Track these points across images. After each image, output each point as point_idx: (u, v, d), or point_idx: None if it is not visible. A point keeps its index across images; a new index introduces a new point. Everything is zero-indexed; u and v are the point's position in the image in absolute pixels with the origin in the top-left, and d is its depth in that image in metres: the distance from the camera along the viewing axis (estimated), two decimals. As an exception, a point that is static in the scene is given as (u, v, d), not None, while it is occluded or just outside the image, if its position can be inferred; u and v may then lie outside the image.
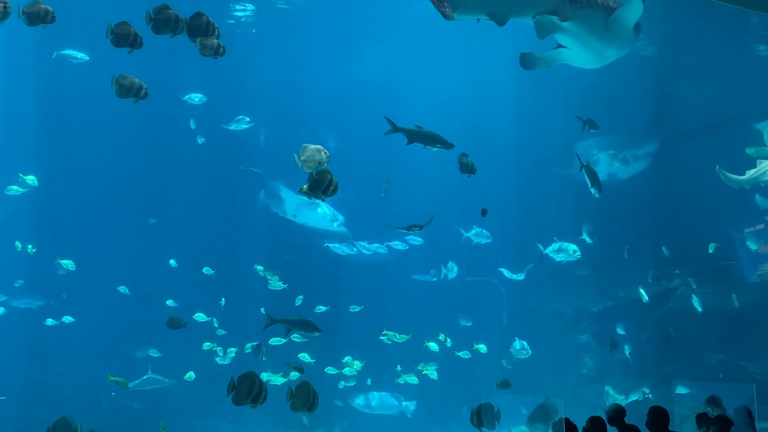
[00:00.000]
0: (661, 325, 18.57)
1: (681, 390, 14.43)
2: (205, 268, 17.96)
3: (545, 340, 18.35)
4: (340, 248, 19.81)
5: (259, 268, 17.10)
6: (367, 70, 22.02)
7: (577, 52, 12.50)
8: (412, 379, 17.21)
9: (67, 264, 16.32)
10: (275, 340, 15.83)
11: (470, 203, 15.15)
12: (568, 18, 11.64)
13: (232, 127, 17.94)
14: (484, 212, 13.14)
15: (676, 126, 21.03)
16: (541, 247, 16.46)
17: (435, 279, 19.93)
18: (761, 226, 17.90)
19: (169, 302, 17.20)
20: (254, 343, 16.09)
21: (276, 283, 16.68)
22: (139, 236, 20.48)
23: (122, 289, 17.45)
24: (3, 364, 17.96)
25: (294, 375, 15.15)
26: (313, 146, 7.89)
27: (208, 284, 18.12)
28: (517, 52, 12.77)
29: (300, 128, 19.95)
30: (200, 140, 19.05)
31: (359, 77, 21.87)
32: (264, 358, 15.55)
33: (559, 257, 16.65)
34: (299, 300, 16.86)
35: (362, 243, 19.52)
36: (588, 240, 15.61)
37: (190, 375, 16.45)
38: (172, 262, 18.51)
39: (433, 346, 17.02)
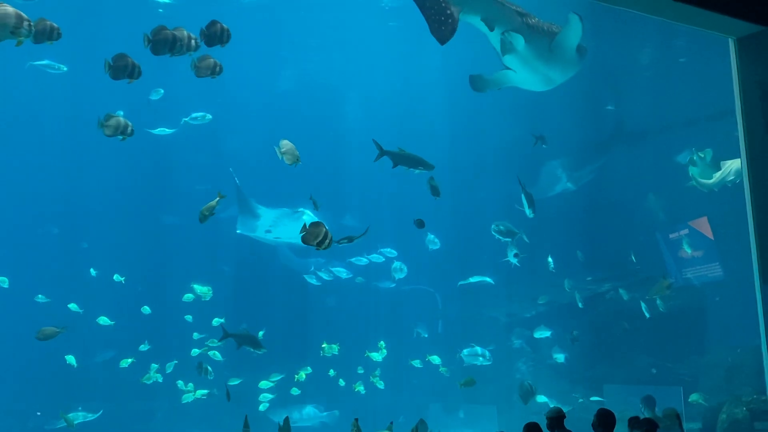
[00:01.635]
0: (593, 330, 18.92)
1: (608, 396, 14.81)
2: (115, 275, 17.63)
3: (480, 346, 18.50)
4: (314, 277, 19.36)
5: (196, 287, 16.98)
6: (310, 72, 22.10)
7: (524, 74, 12.97)
8: (360, 388, 17.34)
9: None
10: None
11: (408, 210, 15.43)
12: (525, 40, 12.19)
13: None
14: (420, 223, 13.38)
15: (608, 135, 21.59)
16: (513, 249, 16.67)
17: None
18: (685, 231, 18.40)
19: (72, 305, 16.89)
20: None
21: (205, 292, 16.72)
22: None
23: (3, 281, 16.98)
24: None
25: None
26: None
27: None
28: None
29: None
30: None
31: (302, 80, 22.01)
32: (210, 377, 15.36)
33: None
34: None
35: (339, 268, 19.18)
36: (513, 261, 15.93)
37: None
38: (93, 271, 18.16)
39: (375, 356, 17.05)
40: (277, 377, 16.87)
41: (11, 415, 17.76)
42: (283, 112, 21.18)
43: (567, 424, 7.99)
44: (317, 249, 8.00)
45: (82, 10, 18.26)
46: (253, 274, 20.74)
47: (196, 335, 17.16)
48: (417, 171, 12.35)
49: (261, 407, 16.66)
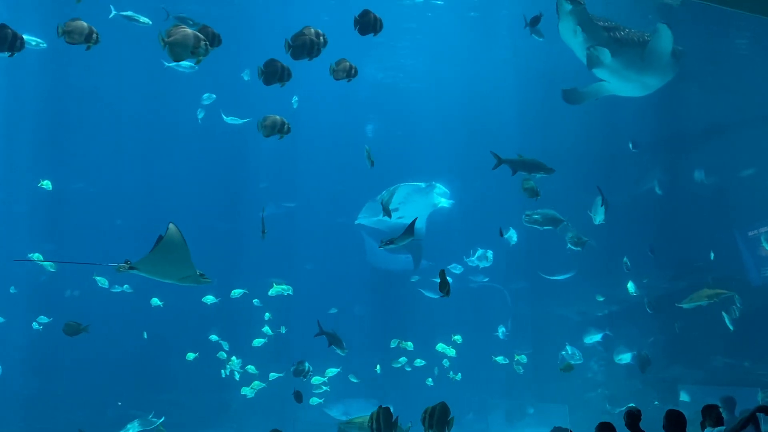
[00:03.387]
0: (667, 329, 18.53)
1: (684, 397, 14.41)
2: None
3: (550, 344, 18.33)
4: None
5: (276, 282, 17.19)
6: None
7: (618, 84, 13.18)
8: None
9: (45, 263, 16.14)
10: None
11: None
12: (614, 53, 12.43)
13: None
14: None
15: (679, 134, 21.10)
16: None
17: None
18: (765, 229, 17.87)
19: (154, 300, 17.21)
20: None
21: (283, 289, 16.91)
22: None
23: (101, 280, 17.26)
24: (8, 374, 18.14)
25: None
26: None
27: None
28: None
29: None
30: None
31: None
32: (304, 378, 15.50)
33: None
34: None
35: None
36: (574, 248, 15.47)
37: (190, 355, 16.86)
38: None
39: (449, 351, 17.06)
40: (333, 371, 16.97)
41: (91, 405, 18.40)
42: (359, 109, 21.37)
43: (641, 425, 7.88)
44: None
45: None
46: (334, 271, 20.91)
47: (267, 330, 17.43)
48: (538, 175, 12.25)
49: (312, 400, 16.86)
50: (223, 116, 17.88)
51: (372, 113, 22.43)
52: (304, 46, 8.59)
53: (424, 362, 17.57)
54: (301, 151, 21.37)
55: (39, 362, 18.61)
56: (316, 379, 16.48)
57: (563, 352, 17.49)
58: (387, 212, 10.67)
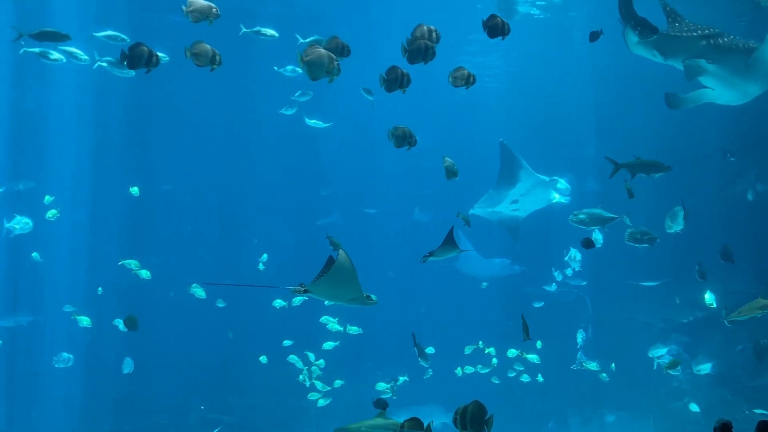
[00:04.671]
0: (755, 336, 17.84)
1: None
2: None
3: (632, 352, 17.87)
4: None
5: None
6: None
7: (720, 91, 12.98)
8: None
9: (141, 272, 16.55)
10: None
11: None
12: (714, 62, 12.26)
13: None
14: (587, 243, 13.04)
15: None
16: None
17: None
18: None
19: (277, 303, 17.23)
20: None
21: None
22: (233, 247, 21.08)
23: (198, 292, 17.13)
24: (98, 376, 18.80)
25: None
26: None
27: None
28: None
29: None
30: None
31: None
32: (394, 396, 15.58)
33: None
34: None
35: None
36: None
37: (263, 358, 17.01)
38: (261, 265, 18.74)
39: (534, 357, 16.83)
40: (402, 379, 16.96)
41: (174, 408, 18.86)
42: (435, 110, 21.35)
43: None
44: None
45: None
46: (415, 279, 20.89)
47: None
48: (657, 176, 12.11)
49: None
50: (306, 119, 18.10)
51: (448, 114, 22.32)
52: (419, 51, 8.62)
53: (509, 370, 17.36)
54: (378, 154, 21.46)
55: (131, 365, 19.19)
56: (380, 385, 16.52)
57: (658, 353, 17.03)
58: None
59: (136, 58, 8.18)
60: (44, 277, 19.48)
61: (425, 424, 6.53)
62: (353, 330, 16.79)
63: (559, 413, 19.12)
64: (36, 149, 20.82)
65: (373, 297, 7.73)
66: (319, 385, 16.78)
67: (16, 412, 18.60)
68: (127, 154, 21.06)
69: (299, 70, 15.95)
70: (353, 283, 7.44)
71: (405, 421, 6.70)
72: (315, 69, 7.88)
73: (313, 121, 18.04)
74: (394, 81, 8.64)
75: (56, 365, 16.97)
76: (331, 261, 7.45)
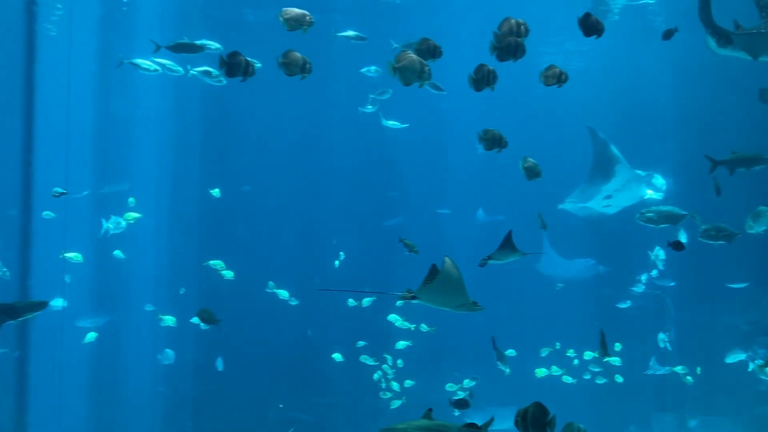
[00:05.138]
0: None
1: None
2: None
3: (716, 355, 17.35)
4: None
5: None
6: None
7: None
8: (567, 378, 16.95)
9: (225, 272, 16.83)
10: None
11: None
12: None
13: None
14: (677, 246, 12.66)
15: None
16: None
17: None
18: None
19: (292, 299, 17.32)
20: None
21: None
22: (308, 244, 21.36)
23: (282, 293, 17.41)
24: (179, 375, 19.25)
25: None
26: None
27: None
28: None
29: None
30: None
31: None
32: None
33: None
34: None
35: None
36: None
37: (337, 356, 17.06)
38: (337, 263, 18.87)
39: (615, 360, 16.53)
40: (470, 383, 16.83)
41: (253, 407, 19.19)
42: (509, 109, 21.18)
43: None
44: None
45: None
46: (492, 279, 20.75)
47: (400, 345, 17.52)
48: (758, 168, 11.76)
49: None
50: (383, 120, 18.15)
51: (522, 112, 22.10)
52: (510, 48, 8.49)
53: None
54: (450, 153, 21.43)
55: (206, 363, 19.60)
56: (450, 386, 16.51)
57: (737, 358, 16.52)
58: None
59: (235, 66, 8.32)
60: (127, 277, 20.07)
61: (483, 426, 6.49)
62: (424, 328, 16.80)
63: (642, 417, 18.72)
64: (121, 154, 21.51)
65: (480, 305, 7.78)
66: (395, 385, 16.83)
67: (105, 410, 19.23)
68: (207, 156, 21.55)
69: (379, 70, 16.19)
70: (460, 289, 7.50)
71: (463, 426, 6.67)
72: (408, 75, 8.06)
73: (391, 122, 18.08)
74: (482, 79, 8.59)
75: (163, 362, 17.57)
76: (435, 268, 7.53)
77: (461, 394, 16.40)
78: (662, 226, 13.05)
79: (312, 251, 20.80)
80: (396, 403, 17.30)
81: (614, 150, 16.78)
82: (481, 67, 8.59)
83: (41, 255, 16.61)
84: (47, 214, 16.20)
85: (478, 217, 22.61)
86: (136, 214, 15.80)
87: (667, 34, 12.32)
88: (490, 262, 9.90)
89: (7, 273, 16.68)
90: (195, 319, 16.90)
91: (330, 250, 19.70)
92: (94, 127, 20.51)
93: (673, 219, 12.97)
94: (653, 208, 13.01)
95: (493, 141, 9.35)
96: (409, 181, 22.45)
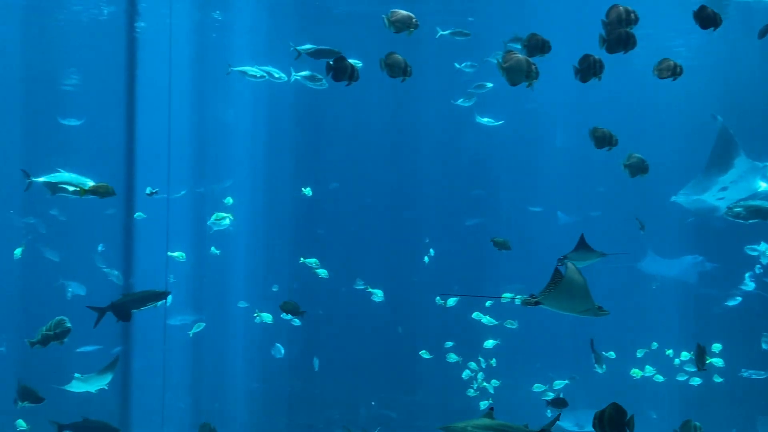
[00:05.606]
0: None
1: None
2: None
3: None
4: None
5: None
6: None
7: None
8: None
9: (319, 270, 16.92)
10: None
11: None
12: None
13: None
14: None
15: None
16: None
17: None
18: None
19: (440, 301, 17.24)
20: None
21: None
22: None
23: (377, 293, 17.37)
24: (275, 372, 19.59)
25: None
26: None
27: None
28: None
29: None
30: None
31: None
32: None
33: None
34: None
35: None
36: None
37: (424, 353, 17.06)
38: (426, 258, 18.80)
39: (718, 361, 16.03)
40: (561, 383, 16.61)
41: (344, 404, 19.36)
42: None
43: None
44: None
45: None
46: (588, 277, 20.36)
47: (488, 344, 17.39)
48: None
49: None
50: (477, 117, 18.00)
51: (620, 107, 21.56)
52: (620, 40, 8.23)
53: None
54: (540, 151, 21.12)
55: (299, 360, 19.86)
56: (537, 387, 16.39)
57: None
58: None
59: (341, 71, 8.41)
60: (222, 274, 20.52)
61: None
62: (510, 324, 16.66)
63: (747, 420, 18.06)
64: (217, 155, 22.03)
65: (605, 310, 7.69)
66: (489, 386, 16.73)
67: (203, 405, 19.72)
68: (299, 155, 21.83)
69: (475, 65, 16.11)
70: (585, 294, 7.47)
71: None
72: (515, 75, 7.98)
73: (485, 119, 17.95)
74: (588, 69, 8.39)
75: (276, 356, 18.01)
76: (558, 273, 7.53)
77: (551, 395, 16.22)
78: (751, 221, 12.53)
79: (401, 248, 20.84)
80: (484, 403, 17.19)
81: (735, 139, 16.09)
82: (586, 57, 8.38)
83: (143, 254, 17.22)
84: (139, 215, 16.70)
85: (559, 218, 22.28)
86: (225, 215, 16.15)
87: (763, 32, 11.88)
88: (567, 262, 9.73)
89: (114, 273, 17.34)
90: (286, 316, 17.26)
91: (420, 247, 19.73)
92: (191, 128, 21.04)
93: (762, 214, 12.46)
94: (741, 203, 12.52)
95: (603, 139, 9.17)
96: (497, 178, 22.23)
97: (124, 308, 9.93)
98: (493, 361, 16.98)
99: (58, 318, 8.87)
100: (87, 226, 19.43)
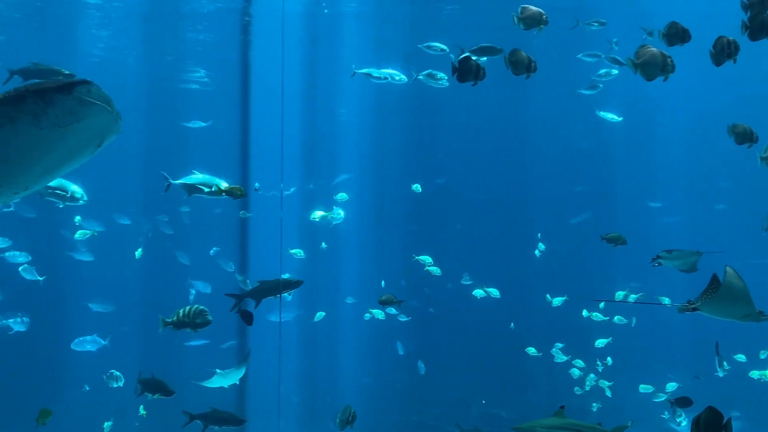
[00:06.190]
0: None
1: None
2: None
3: None
4: None
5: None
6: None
7: None
8: None
9: (432, 268, 16.85)
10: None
11: None
12: None
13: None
14: None
15: None
16: None
17: None
18: None
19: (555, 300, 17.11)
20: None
21: None
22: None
23: (493, 291, 17.41)
24: (389, 367, 19.72)
25: None
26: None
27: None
28: None
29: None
30: None
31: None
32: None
33: None
34: None
35: None
36: None
37: (559, 354, 16.85)
38: (537, 252, 18.44)
39: None
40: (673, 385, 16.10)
41: (455, 402, 19.27)
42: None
43: None
44: None
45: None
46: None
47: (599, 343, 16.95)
48: None
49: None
50: (598, 112, 17.60)
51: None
52: (764, 26, 7.71)
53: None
54: (659, 146, 20.47)
55: (410, 356, 19.91)
56: (643, 387, 16.17)
57: None
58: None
59: (466, 72, 8.33)
60: (331, 270, 20.77)
61: None
62: (619, 320, 16.20)
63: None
64: (328, 153, 22.36)
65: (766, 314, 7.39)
66: (604, 383, 16.38)
67: (316, 398, 20.04)
68: (408, 152, 21.88)
69: (599, 54, 15.68)
70: (745, 299, 7.24)
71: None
72: (650, 69, 7.84)
73: (609, 115, 17.53)
74: (722, 52, 8.02)
75: (400, 352, 18.20)
76: (716, 278, 7.35)
77: (662, 396, 15.81)
78: None
79: (511, 245, 20.61)
80: (595, 405, 16.80)
81: None
82: (719, 39, 8.02)
83: (259, 252, 17.65)
84: (243, 213, 17.04)
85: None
86: (322, 212, 16.33)
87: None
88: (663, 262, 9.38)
89: (231, 266, 17.82)
90: (402, 317, 17.35)
91: (530, 243, 19.44)
92: (302, 127, 21.43)
93: None
94: None
95: (744, 135, 8.78)
96: (611, 174, 21.67)
97: (261, 295, 10.23)
98: (609, 360, 16.58)
99: (199, 307, 8.95)
100: (205, 226, 20.07)
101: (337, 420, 10.49)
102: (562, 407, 8.14)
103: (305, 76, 21.22)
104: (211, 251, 18.75)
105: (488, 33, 15.09)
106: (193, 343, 18.05)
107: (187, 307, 8.94)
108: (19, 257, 16.12)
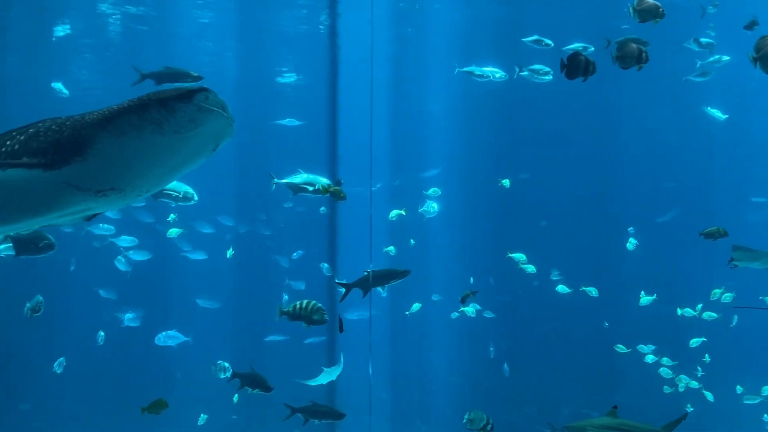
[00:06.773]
0: None
1: None
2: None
3: None
4: None
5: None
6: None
7: None
8: None
9: (526, 266, 16.66)
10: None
11: None
12: None
13: None
14: None
15: None
16: None
17: None
18: None
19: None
20: None
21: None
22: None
23: (591, 290, 17.11)
24: (469, 366, 19.62)
25: None
26: None
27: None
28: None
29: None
30: None
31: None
32: None
33: None
34: None
35: None
36: None
37: (648, 353, 16.65)
38: (629, 245, 18.14)
39: None
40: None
41: (545, 401, 19.06)
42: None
43: None
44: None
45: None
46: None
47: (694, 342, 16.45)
48: None
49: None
50: (705, 108, 17.14)
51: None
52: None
53: None
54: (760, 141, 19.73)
55: (499, 355, 19.76)
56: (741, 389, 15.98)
57: None
58: None
59: (574, 68, 8.13)
60: (419, 266, 20.75)
61: None
62: (708, 315, 15.82)
63: None
64: (413, 149, 22.34)
65: None
66: (705, 392, 15.96)
67: (404, 396, 20.12)
68: (495, 147, 21.70)
69: (703, 40, 15.18)
70: None
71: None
72: None
73: (715, 111, 17.01)
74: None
75: (491, 357, 18.17)
76: None
77: (756, 399, 15.42)
78: None
79: (600, 242, 20.23)
80: (689, 407, 16.35)
81: None
82: (764, 34, 7.67)
83: (348, 249, 17.77)
84: (323, 209, 17.09)
85: None
86: (417, 208, 16.34)
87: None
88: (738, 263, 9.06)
89: (324, 266, 17.99)
90: (487, 313, 17.21)
91: (620, 241, 19.05)
92: (390, 123, 21.46)
93: None
94: None
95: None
96: (707, 170, 20.98)
97: (368, 285, 10.30)
98: (707, 357, 16.14)
99: (317, 304, 9.09)
100: (294, 225, 20.32)
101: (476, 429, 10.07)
102: (615, 407, 8.03)
103: (393, 74, 21.26)
104: (294, 254, 19.00)
105: (577, 32, 14.90)
106: (273, 338, 18.30)
107: (305, 301, 9.08)
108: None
